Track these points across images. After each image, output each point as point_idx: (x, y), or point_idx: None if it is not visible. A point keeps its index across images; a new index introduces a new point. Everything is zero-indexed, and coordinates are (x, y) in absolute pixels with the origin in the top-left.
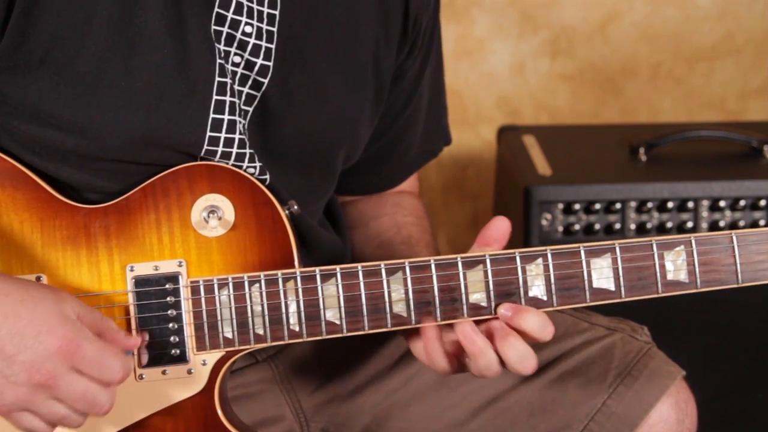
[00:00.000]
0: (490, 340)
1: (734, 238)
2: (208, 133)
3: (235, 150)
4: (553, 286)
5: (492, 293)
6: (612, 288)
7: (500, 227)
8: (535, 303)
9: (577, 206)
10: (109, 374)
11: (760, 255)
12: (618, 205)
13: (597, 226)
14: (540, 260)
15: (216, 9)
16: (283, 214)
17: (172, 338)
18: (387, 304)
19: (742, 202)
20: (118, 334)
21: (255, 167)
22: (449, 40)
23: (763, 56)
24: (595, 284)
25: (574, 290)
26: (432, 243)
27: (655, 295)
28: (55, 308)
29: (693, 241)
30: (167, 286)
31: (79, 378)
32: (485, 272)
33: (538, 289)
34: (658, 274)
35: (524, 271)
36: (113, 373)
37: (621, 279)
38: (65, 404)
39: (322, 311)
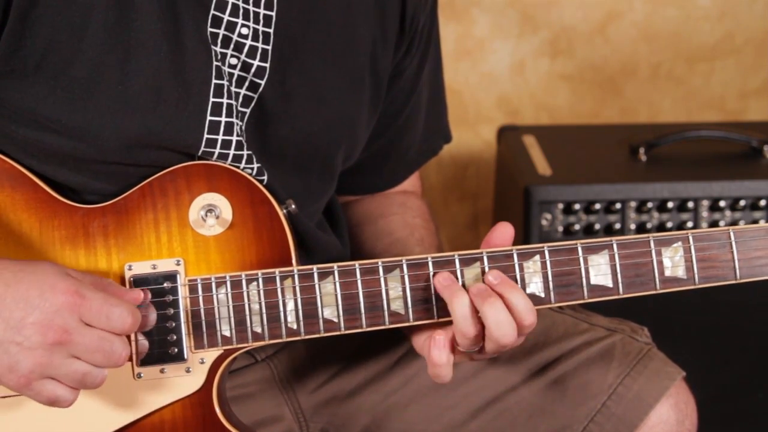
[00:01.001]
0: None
1: (732, 234)
2: (206, 135)
3: (232, 152)
4: (550, 283)
5: None
6: (610, 285)
7: (505, 233)
8: (533, 300)
9: (577, 206)
10: (119, 322)
11: (757, 251)
12: (618, 205)
13: (597, 226)
14: (537, 257)
15: (212, 11)
16: (281, 212)
17: (170, 336)
18: (384, 302)
19: (742, 202)
20: (119, 288)
21: (252, 168)
22: (449, 40)
23: (763, 56)
24: (593, 281)
25: (572, 287)
26: (440, 247)
27: (653, 292)
28: (53, 268)
29: (690, 237)
30: (165, 284)
31: (91, 329)
32: (482, 270)
33: (535, 286)
34: (656, 271)
35: (522, 269)
36: (122, 321)
37: (619, 275)
38: (83, 359)
39: (319, 309)
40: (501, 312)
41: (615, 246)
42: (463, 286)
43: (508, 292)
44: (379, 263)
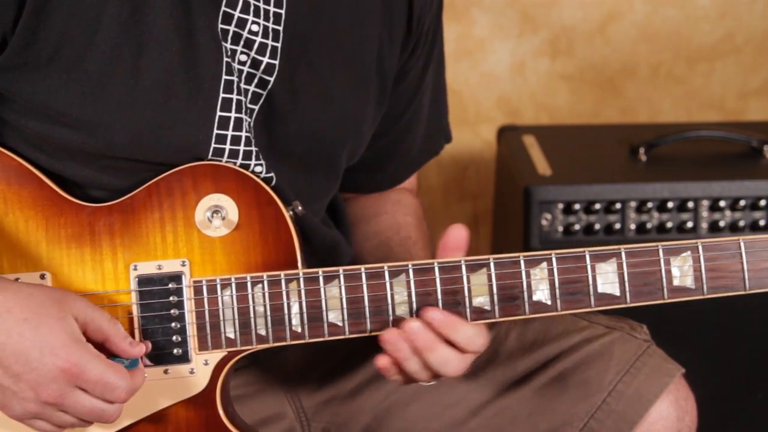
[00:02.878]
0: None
1: (742, 244)
2: (215, 131)
3: (242, 148)
4: (557, 291)
5: (496, 297)
6: (617, 293)
7: (457, 235)
8: (539, 307)
9: (577, 206)
10: (114, 395)
11: (767, 262)
12: (618, 205)
13: (597, 226)
14: (544, 264)
15: (223, 8)
16: (287, 214)
17: (174, 338)
18: (390, 307)
19: (742, 202)
20: (123, 342)
21: (261, 165)
22: (449, 40)
23: (763, 56)
24: (600, 289)
25: (579, 295)
26: (429, 246)
27: (661, 301)
28: (57, 327)
29: (700, 247)
30: (170, 285)
31: (85, 396)
32: (489, 276)
33: (542, 294)
34: (664, 280)
35: (528, 275)
36: (117, 394)
37: (626, 284)
38: (74, 416)
39: (324, 313)
40: (443, 352)
41: (623, 254)
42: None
43: (450, 332)
44: (385, 267)
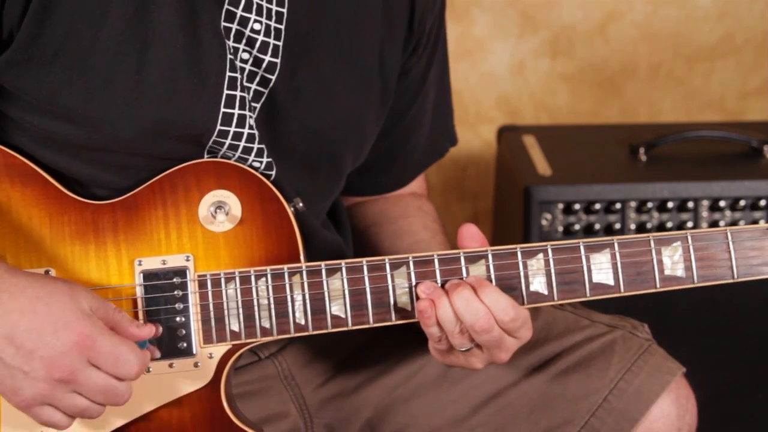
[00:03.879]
0: None
1: (729, 234)
2: (219, 127)
3: (242, 143)
4: (553, 281)
5: None
6: (611, 283)
7: (469, 233)
8: (536, 297)
9: (577, 206)
10: (125, 369)
11: (753, 251)
12: (618, 205)
13: (597, 226)
14: (541, 255)
15: (226, 6)
16: (289, 210)
17: (179, 331)
18: (391, 299)
19: (742, 202)
20: (130, 326)
21: (261, 162)
22: (449, 40)
23: (763, 56)
24: (595, 279)
25: (575, 285)
26: None
27: (654, 290)
28: (70, 303)
29: (689, 237)
30: (175, 279)
31: (98, 372)
32: (487, 267)
33: (539, 284)
34: (656, 270)
35: (525, 266)
36: (129, 368)
37: (620, 274)
38: (85, 397)
39: (327, 305)
40: (471, 301)
41: (616, 245)
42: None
43: (481, 291)
44: (386, 260)
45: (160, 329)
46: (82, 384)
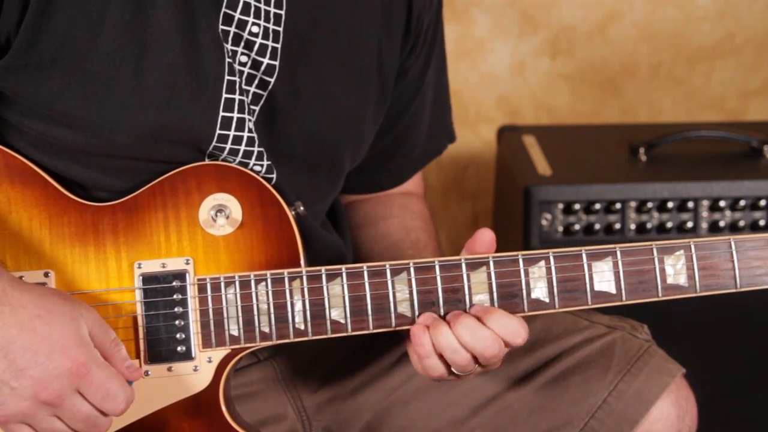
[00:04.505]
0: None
1: (732, 243)
2: (218, 131)
3: (242, 147)
4: (555, 288)
5: (495, 294)
6: (613, 291)
7: (485, 240)
8: (538, 305)
9: (577, 206)
10: (112, 405)
11: (757, 261)
12: (618, 205)
13: (597, 226)
14: (542, 263)
15: (224, 9)
16: (290, 214)
17: (178, 335)
18: (391, 304)
19: (742, 202)
20: (123, 362)
21: (261, 165)
22: (449, 40)
23: (763, 56)
24: (597, 287)
25: (576, 292)
26: (439, 249)
27: (656, 299)
28: (69, 326)
29: (692, 246)
30: (174, 283)
31: (83, 402)
32: (488, 274)
33: (540, 291)
34: (658, 278)
35: (527, 273)
36: (116, 405)
37: (622, 282)
38: (65, 423)
39: (327, 310)
40: (476, 329)
41: (618, 253)
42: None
43: (487, 318)
44: (387, 266)
45: (142, 373)
46: (66, 410)
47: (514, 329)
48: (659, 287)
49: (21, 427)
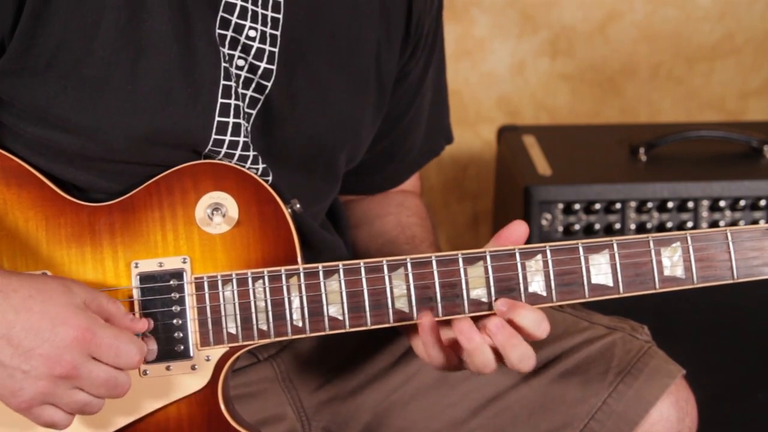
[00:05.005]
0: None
1: (729, 234)
2: (214, 136)
3: (238, 152)
4: (552, 282)
5: (492, 289)
6: (610, 284)
7: (519, 231)
8: (535, 299)
9: (577, 206)
10: (127, 359)
11: (754, 251)
12: (618, 205)
13: (597, 226)
14: (539, 256)
15: (220, 13)
16: (286, 211)
17: (176, 334)
18: (389, 300)
19: (742, 202)
20: (124, 318)
21: (257, 169)
22: (449, 40)
23: (763, 56)
24: (594, 280)
25: (573, 286)
26: (435, 244)
27: (653, 291)
28: (64, 299)
29: (689, 238)
30: (172, 282)
31: (99, 365)
32: (485, 268)
33: (537, 285)
34: (656, 270)
35: (524, 267)
36: (130, 357)
37: (619, 275)
38: (86, 391)
39: (324, 307)
40: (521, 348)
41: (615, 246)
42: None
43: (517, 314)
44: (384, 262)
45: (151, 323)
46: (84, 379)
47: (539, 321)
48: (656, 279)
49: (45, 409)
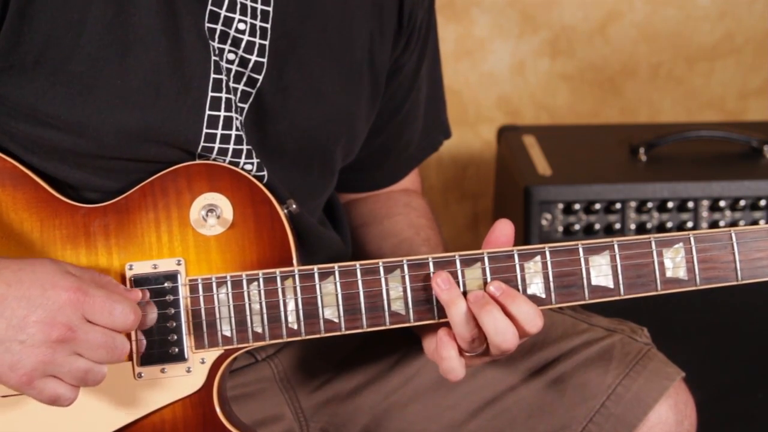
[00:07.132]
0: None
1: (733, 235)
2: (205, 130)
3: (231, 146)
4: (551, 284)
5: None
6: (611, 286)
7: (504, 231)
8: (534, 301)
9: (577, 206)
10: (121, 318)
11: (759, 252)
12: (618, 205)
13: (597, 226)
14: (538, 258)
15: (209, 6)
16: (282, 212)
17: (170, 336)
18: (385, 302)
19: (742, 202)
20: (117, 287)
21: (252, 163)
22: (449, 40)
23: (763, 56)
24: (594, 282)
25: (573, 288)
26: (442, 245)
27: (654, 293)
28: (53, 266)
29: (692, 239)
30: (166, 284)
31: (94, 327)
32: (483, 270)
33: (536, 287)
34: (657, 272)
35: (522, 269)
36: (125, 317)
37: (620, 276)
38: (86, 356)
39: (320, 309)
40: (500, 320)
41: (616, 246)
42: (463, 290)
43: (510, 303)
44: (380, 263)
45: (147, 294)
46: (80, 342)
47: (532, 317)
48: (658, 281)
49: (47, 382)
